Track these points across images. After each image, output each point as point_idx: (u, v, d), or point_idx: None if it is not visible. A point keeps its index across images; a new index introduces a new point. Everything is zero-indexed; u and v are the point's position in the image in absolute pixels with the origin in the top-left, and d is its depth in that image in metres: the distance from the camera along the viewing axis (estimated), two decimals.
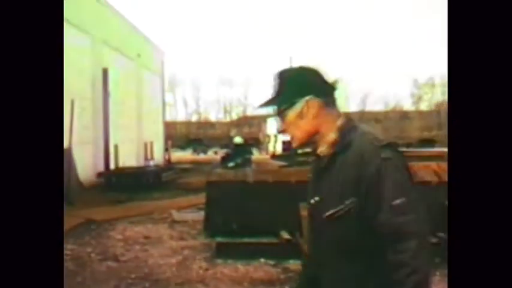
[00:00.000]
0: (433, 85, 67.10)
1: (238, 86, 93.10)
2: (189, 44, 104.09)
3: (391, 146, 1.78)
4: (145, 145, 23.74)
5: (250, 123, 67.40)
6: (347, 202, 1.76)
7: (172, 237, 8.71)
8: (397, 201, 1.69)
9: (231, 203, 8.51)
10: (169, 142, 29.84)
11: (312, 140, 1.91)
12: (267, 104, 1.96)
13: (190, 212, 11.42)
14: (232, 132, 48.88)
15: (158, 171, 17.04)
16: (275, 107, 1.93)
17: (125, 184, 15.22)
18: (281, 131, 1.94)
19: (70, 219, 10.41)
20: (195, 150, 43.42)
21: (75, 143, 13.59)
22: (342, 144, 1.82)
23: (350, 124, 1.87)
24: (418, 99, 69.84)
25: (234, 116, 72.16)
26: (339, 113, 1.90)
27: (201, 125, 68.91)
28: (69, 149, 13.25)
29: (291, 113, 1.87)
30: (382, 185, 1.70)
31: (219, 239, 7.88)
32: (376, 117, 69.44)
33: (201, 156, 39.46)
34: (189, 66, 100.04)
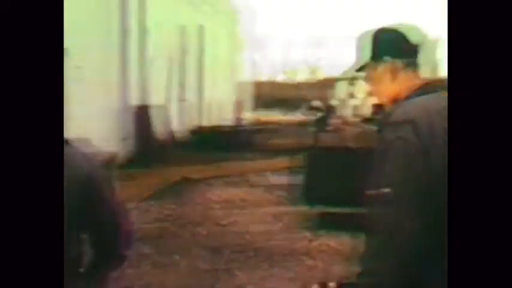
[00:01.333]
0: None
1: (325, 47, 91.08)
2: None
3: (412, 123, 1.56)
4: (236, 104, 23.67)
5: (326, 86, 65.95)
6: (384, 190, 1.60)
7: (270, 202, 8.45)
8: (385, 190, 1.53)
9: (333, 170, 8.12)
10: (244, 103, 29.65)
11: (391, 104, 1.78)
12: (358, 67, 1.83)
13: (286, 175, 11.13)
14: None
15: (250, 131, 16.84)
16: (362, 66, 1.82)
17: (218, 143, 15.17)
18: (368, 93, 1.87)
19: (167, 177, 10.47)
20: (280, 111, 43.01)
21: (169, 100, 13.65)
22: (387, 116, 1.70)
23: (411, 95, 1.70)
24: None
25: (320, 77, 70.86)
26: (418, 79, 1.74)
27: (286, 86, 68.29)
28: (164, 106, 13.33)
29: (372, 75, 1.79)
30: (382, 166, 1.57)
31: (321, 208, 7.57)
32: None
33: (288, 117, 39.10)
34: (275, 24, 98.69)
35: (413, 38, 1.75)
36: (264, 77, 63.77)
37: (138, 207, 7.81)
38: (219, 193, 9.17)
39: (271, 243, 6.25)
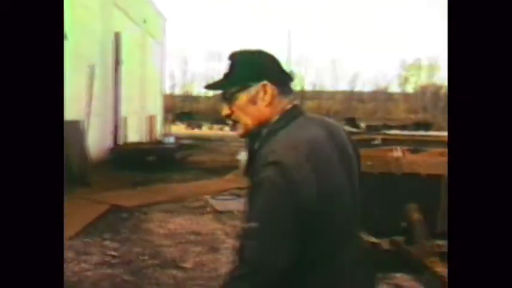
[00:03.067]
0: (419, 67, 67.28)
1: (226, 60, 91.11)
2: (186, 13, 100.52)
3: (278, 164, 1.56)
4: (149, 119, 22.08)
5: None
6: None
7: (228, 234, 7.27)
8: (250, 224, 1.58)
9: None
10: (169, 116, 28.23)
11: (258, 130, 1.76)
12: (216, 84, 1.82)
13: (230, 199, 9.98)
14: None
15: (171, 148, 15.48)
16: (225, 89, 1.78)
17: (138, 162, 13.67)
18: (226, 116, 1.79)
19: (94, 206, 8.93)
20: (189, 125, 41.74)
21: (85, 114, 11.95)
22: (263, 143, 1.70)
23: (280, 123, 1.72)
24: (405, 80, 69.83)
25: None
26: (289, 105, 1.77)
27: (186, 99, 67.27)
28: (78, 121, 11.65)
29: (243, 96, 1.75)
30: (252, 200, 1.62)
31: None
32: (361, 98, 69.23)
33: (197, 131, 37.92)
34: (177, 36, 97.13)
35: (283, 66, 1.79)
36: (177, 90, 62.26)
37: (72, 247, 6.31)
38: (161, 224, 7.83)
39: None
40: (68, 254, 6.03)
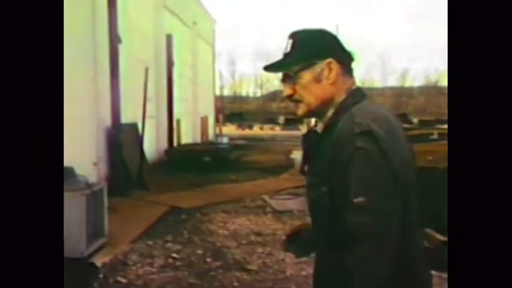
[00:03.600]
0: None
1: (275, 59, 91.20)
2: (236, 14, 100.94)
3: (370, 133, 1.55)
4: (202, 120, 22.16)
5: (283, 98, 66.15)
6: (323, 189, 1.63)
7: None
8: (360, 199, 1.52)
9: None
10: (221, 116, 28.31)
11: (321, 109, 1.72)
12: (278, 63, 1.74)
13: (288, 198, 9.79)
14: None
15: (229, 149, 15.41)
16: (288, 68, 1.72)
17: (194, 163, 13.66)
18: (288, 96, 1.73)
19: (153, 208, 8.92)
20: (239, 126, 41.83)
21: (141, 117, 11.98)
22: (330, 123, 1.69)
23: (350, 101, 1.69)
24: None
25: (264, 91, 70.70)
26: (353, 85, 1.75)
27: (235, 99, 67.61)
28: (135, 124, 11.70)
29: (307, 75, 1.70)
30: (348, 178, 1.55)
31: None
32: (411, 94, 67.73)
33: (248, 131, 37.94)
34: (225, 37, 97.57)
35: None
36: (226, 91, 62.68)
37: (134, 250, 6.26)
38: (222, 225, 7.71)
39: None
40: (132, 257, 5.98)
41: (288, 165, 15.56)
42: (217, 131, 26.82)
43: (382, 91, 66.37)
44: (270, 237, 6.95)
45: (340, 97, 1.71)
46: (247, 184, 11.81)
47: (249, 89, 71.90)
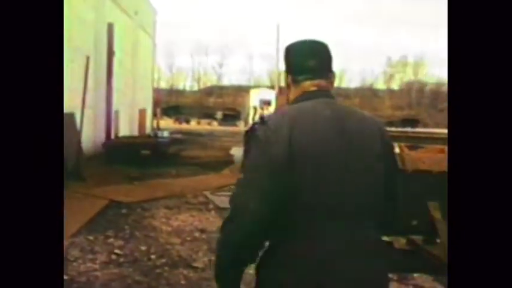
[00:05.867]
0: (405, 64, 67.65)
1: (213, 53, 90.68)
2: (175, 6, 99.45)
3: (264, 123, 1.85)
4: (141, 112, 21.70)
5: (220, 94, 66.06)
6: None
7: None
8: (241, 176, 1.83)
9: None
10: (159, 110, 27.86)
11: None
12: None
13: (229, 195, 9.73)
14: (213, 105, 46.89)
15: (168, 143, 15.17)
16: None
17: (133, 156, 13.36)
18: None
19: (92, 201, 8.64)
20: (177, 119, 41.35)
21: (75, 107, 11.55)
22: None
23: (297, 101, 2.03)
24: (390, 77, 70.17)
25: (202, 86, 70.33)
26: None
27: (172, 92, 66.68)
28: (72, 114, 11.28)
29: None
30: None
31: None
32: (347, 94, 69.43)
33: (185, 126, 37.57)
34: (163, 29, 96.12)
35: None
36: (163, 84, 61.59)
37: (74, 245, 6.04)
38: (165, 221, 7.58)
39: None
40: (72, 252, 5.77)
41: (228, 161, 15.52)
42: (155, 124, 26.37)
43: None
44: (214, 234, 6.88)
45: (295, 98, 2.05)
46: (189, 179, 11.68)
47: (186, 83, 71.17)
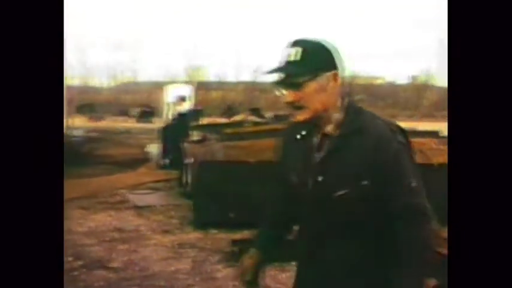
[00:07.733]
0: None
1: (127, 50, 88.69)
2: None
3: (403, 131, 1.86)
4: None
5: (136, 90, 64.91)
6: (362, 183, 1.79)
7: (154, 230, 6.97)
8: (415, 184, 1.78)
9: (226, 188, 7.09)
10: (72, 108, 26.86)
11: (323, 114, 1.86)
12: (282, 70, 1.84)
13: (146, 193, 9.62)
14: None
15: (81, 142, 14.69)
16: (298, 77, 1.81)
17: None
18: (290, 102, 1.84)
19: None
20: (91, 117, 40.03)
21: None
22: (353, 126, 1.84)
23: (355, 106, 1.90)
24: None
25: (119, 82, 68.73)
26: (345, 92, 1.92)
27: (85, 90, 64.55)
28: None
29: (313, 84, 1.81)
30: (401, 168, 1.79)
31: (215, 231, 6.67)
32: (263, 89, 70.39)
33: (100, 123, 36.43)
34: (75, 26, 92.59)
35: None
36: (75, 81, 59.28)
37: None
38: (79, 222, 7.37)
39: None
40: None
41: (144, 158, 15.27)
42: (69, 123, 25.40)
43: (235, 85, 67.72)
44: (133, 233, 6.79)
45: (338, 102, 1.87)
46: (104, 178, 11.39)
47: (100, 79, 69.05)
